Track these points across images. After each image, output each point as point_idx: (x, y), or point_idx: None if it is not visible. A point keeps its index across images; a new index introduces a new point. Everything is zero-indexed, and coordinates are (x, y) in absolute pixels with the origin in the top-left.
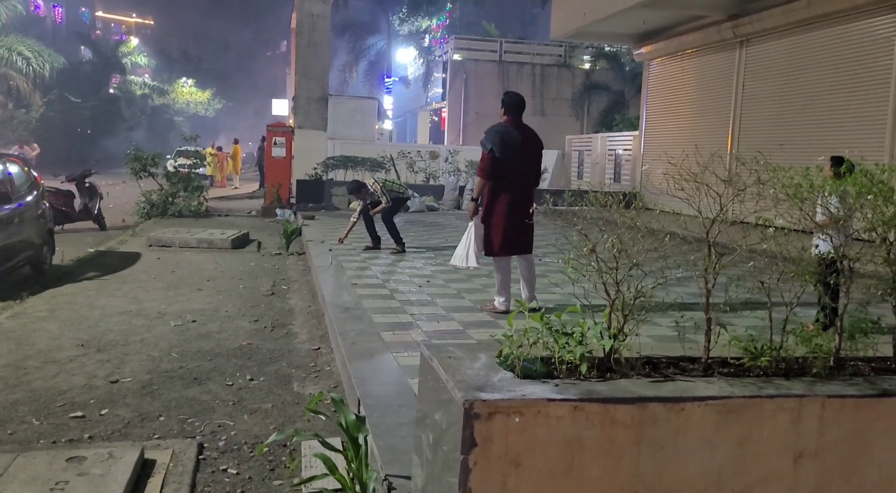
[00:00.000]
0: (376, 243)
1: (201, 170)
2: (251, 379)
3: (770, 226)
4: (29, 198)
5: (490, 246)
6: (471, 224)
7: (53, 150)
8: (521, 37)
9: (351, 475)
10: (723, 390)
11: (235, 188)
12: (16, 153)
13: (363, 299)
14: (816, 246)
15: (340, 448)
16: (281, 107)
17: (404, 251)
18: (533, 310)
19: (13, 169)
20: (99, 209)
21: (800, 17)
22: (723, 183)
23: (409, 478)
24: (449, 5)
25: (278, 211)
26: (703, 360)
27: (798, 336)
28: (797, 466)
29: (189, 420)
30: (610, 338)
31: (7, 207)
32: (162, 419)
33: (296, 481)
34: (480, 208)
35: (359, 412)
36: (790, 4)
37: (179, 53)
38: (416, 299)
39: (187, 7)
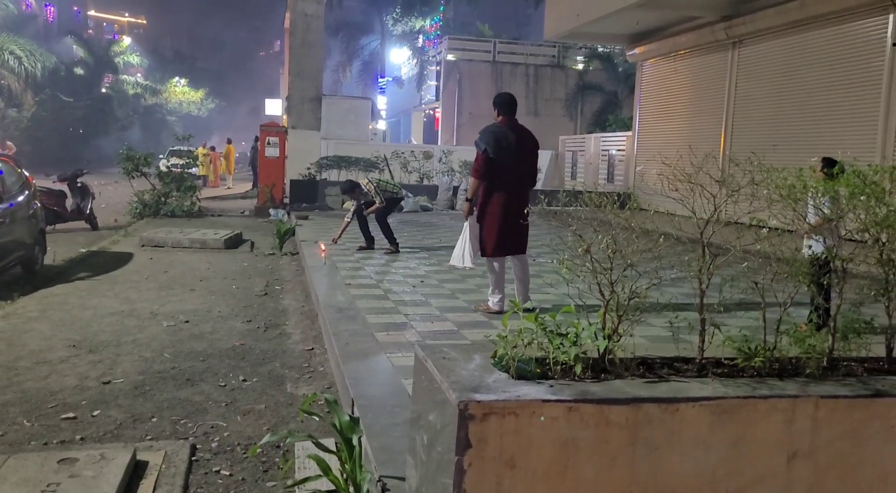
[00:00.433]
0: (370, 244)
1: (193, 170)
2: (244, 380)
3: (764, 227)
4: (20, 198)
5: (484, 247)
6: (466, 224)
7: (45, 149)
8: (515, 37)
9: (345, 476)
10: (717, 391)
11: (228, 188)
12: None
13: (357, 300)
14: (809, 246)
15: (334, 449)
16: (274, 107)
17: (398, 251)
18: (527, 310)
19: (4, 169)
20: (91, 209)
21: (793, 18)
22: (717, 184)
23: (403, 479)
24: (442, 6)
25: (271, 211)
26: (698, 360)
27: (792, 337)
28: (791, 466)
29: (182, 421)
30: (604, 339)
31: None
32: (154, 420)
33: (289, 482)
34: (475, 208)
35: (352, 412)
36: (783, 6)
37: (172, 53)
38: (410, 299)
39: (180, 6)
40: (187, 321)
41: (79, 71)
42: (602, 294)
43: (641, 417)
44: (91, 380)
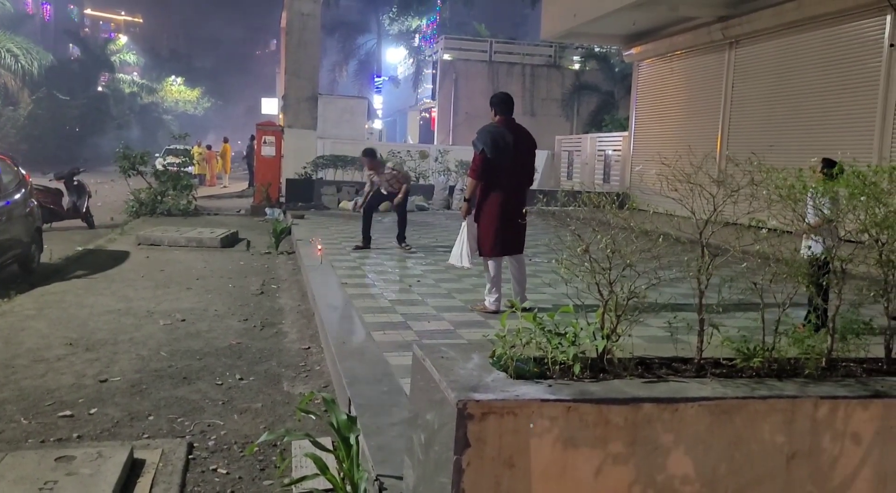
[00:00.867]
0: (366, 243)
1: (189, 168)
2: (241, 378)
3: (763, 227)
4: (17, 196)
5: (482, 246)
6: (464, 224)
7: (42, 147)
8: (512, 37)
9: (342, 475)
10: (716, 391)
11: (224, 187)
12: None
13: (353, 299)
14: (809, 247)
15: (331, 448)
16: (271, 106)
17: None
18: (525, 310)
19: (1, 167)
20: (87, 208)
21: (789, 18)
22: (716, 184)
23: (400, 478)
24: (439, 5)
25: (268, 210)
26: (696, 361)
27: (790, 337)
28: (790, 466)
29: (178, 420)
30: (603, 338)
31: None
32: (151, 418)
33: (286, 481)
34: (473, 208)
35: (349, 411)
36: (780, 6)
37: (168, 52)
38: (407, 298)
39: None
40: (184, 320)
41: (75, 69)
42: (601, 294)
43: (640, 417)
44: (88, 378)
